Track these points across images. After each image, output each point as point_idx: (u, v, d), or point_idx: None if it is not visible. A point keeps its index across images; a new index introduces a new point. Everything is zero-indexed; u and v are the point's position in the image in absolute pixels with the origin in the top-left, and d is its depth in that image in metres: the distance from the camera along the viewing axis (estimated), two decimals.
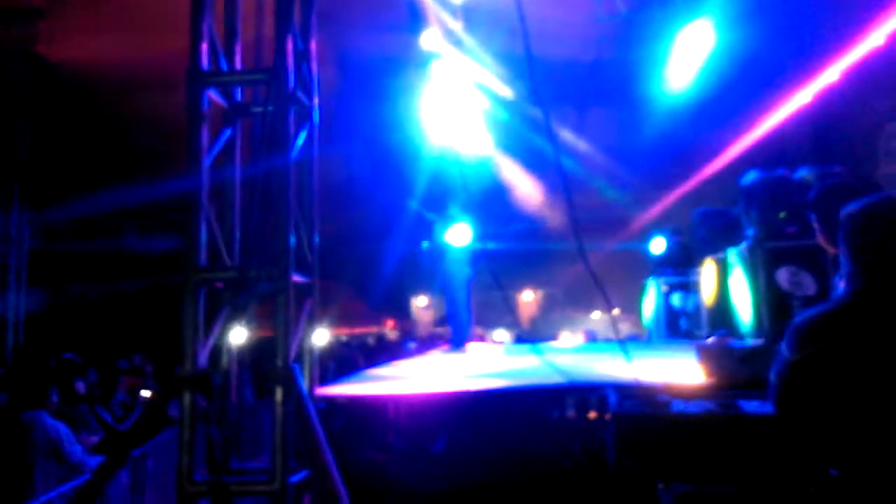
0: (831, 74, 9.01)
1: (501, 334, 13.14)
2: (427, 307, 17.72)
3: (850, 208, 2.35)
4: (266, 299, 3.69)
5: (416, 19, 9.22)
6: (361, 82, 11.31)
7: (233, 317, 3.69)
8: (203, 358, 3.60)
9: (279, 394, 3.54)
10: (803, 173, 6.73)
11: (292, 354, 3.60)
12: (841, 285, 2.40)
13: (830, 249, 3.79)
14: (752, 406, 3.80)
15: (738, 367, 4.43)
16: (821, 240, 3.84)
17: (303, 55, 3.79)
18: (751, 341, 4.59)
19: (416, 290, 18.20)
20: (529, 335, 12.49)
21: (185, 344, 3.59)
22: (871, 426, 2.03)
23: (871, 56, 8.22)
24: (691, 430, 3.76)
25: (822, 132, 9.74)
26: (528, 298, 18.30)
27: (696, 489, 3.65)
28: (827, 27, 8.78)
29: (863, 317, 2.13)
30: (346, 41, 10.59)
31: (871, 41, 8.14)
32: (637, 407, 4.08)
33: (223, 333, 3.78)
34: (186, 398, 3.57)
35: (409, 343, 11.24)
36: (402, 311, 18.57)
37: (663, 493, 3.66)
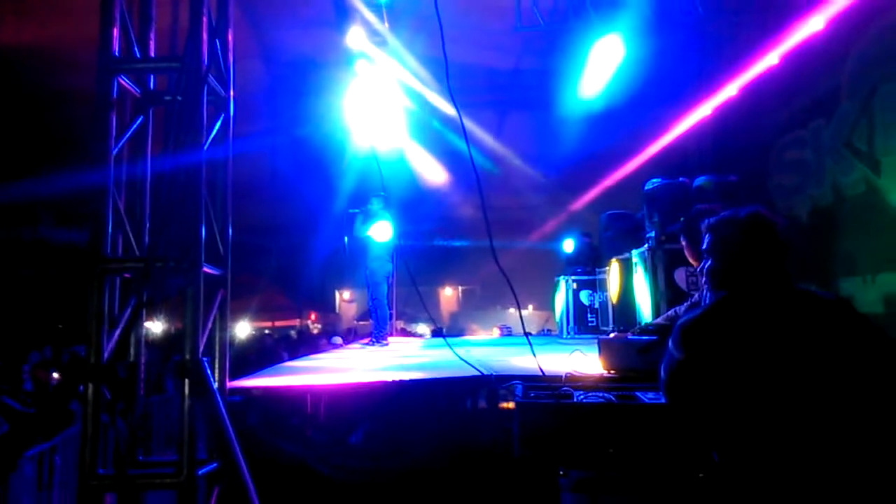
0: (730, 90, 9.59)
1: (423, 329, 13.26)
2: (351, 301, 17.67)
3: (716, 220, 2.57)
4: (178, 291, 3.65)
5: (341, 17, 9.22)
6: (287, 78, 11.17)
7: (140, 308, 3.64)
8: (108, 349, 3.54)
9: (186, 386, 3.52)
10: (701, 181, 7.20)
11: (201, 347, 3.58)
12: (707, 291, 2.59)
13: (695, 263, 4.15)
14: (648, 397, 4.03)
15: (635, 360, 4.69)
16: (688, 255, 4.20)
17: (218, 45, 3.77)
18: (648, 336, 4.85)
19: (341, 284, 18.08)
20: (448, 330, 12.68)
21: (89, 335, 3.51)
22: (746, 416, 2.22)
23: (767, 73, 8.80)
24: (590, 418, 3.94)
25: (721, 143, 10.35)
26: (448, 294, 18.53)
27: (593, 475, 3.85)
28: (726, 45, 9.36)
29: (738, 319, 2.32)
30: (272, 36, 10.46)
31: (767, 60, 8.71)
32: (540, 397, 4.27)
33: (132, 325, 3.72)
34: (90, 390, 3.50)
35: (334, 337, 11.17)
36: (326, 305, 18.42)
37: (563, 479, 3.85)
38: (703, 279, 2.63)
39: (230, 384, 4.46)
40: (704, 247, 2.60)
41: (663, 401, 2.64)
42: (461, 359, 5.11)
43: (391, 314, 9.19)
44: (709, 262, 2.57)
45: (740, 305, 2.36)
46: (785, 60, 8.46)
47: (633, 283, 7.59)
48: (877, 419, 2.12)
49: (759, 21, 8.70)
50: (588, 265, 10.26)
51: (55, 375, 6.83)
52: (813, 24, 7.90)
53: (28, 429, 4.04)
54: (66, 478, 5.50)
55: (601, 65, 9.40)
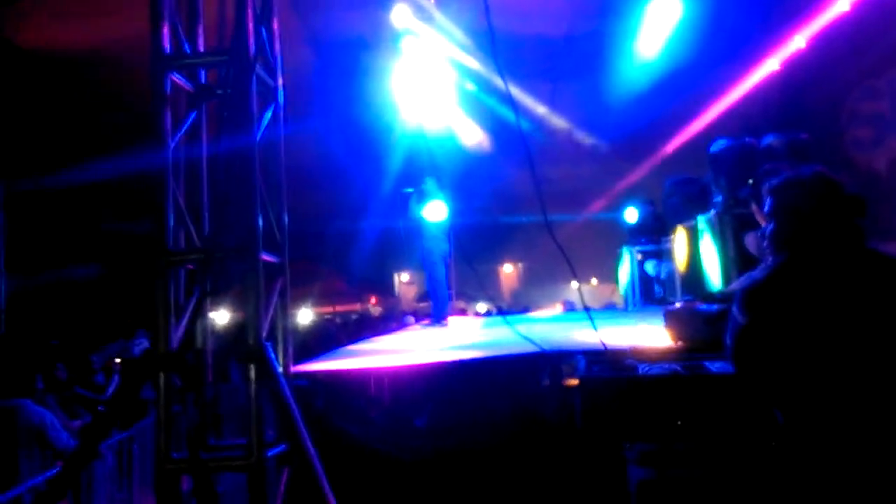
0: (798, 42, 9.11)
1: (483, 308, 13.26)
2: (410, 283, 17.81)
3: (776, 182, 2.48)
4: (239, 279, 3.74)
5: None
6: (335, 60, 11.22)
7: (204, 297, 3.75)
8: (176, 338, 3.66)
9: (252, 371, 3.61)
10: (769, 140, 6.86)
11: (264, 332, 3.66)
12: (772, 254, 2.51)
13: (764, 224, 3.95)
14: (716, 367, 3.93)
15: (704, 330, 4.56)
16: (758, 218, 4.01)
17: (264, 34, 3.80)
18: (716, 305, 4.70)
19: (400, 267, 18.25)
20: (510, 308, 12.64)
21: (157, 326, 3.64)
22: (811, 380, 2.17)
23: (837, 22, 8.32)
24: (655, 391, 3.88)
25: (790, 99, 9.85)
26: (508, 271, 18.45)
27: (658, 447, 3.79)
28: None
29: (799, 281, 2.26)
30: (317, 19, 10.50)
31: (837, 7, 8.23)
32: (603, 371, 4.21)
33: (197, 314, 3.84)
34: (161, 378, 3.63)
35: (407, 317, 11.33)
36: (385, 288, 18.64)
37: (628, 452, 3.80)
38: (766, 242, 2.55)
39: (295, 368, 4.57)
40: (766, 209, 2.52)
41: (731, 370, 2.59)
42: (521, 336, 5.07)
43: (450, 294, 9.20)
44: (771, 225, 2.49)
45: (803, 267, 2.31)
46: (856, 7, 7.97)
47: (700, 251, 7.36)
48: None
49: None
50: (652, 234, 10.00)
51: (117, 361, 7.13)
52: None
53: (107, 418, 4.23)
54: (144, 464, 5.78)
55: (658, 25, 9.07)
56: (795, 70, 9.47)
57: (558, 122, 11.94)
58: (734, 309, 2.42)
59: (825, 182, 2.35)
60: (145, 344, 7.25)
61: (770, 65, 9.86)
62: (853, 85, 8.47)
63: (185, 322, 3.75)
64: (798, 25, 8.97)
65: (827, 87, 8.93)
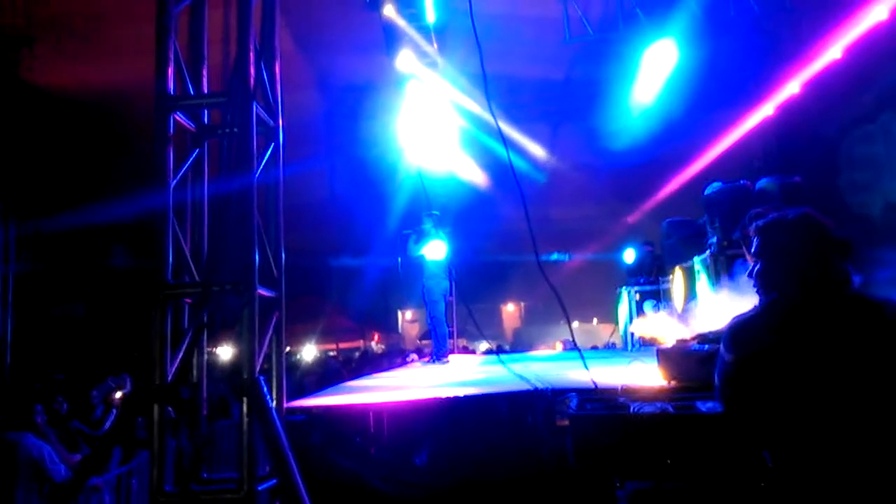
0: (792, 87, 9.29)
1: (485, 346, 13.25)
2: (413, 321, 17.83)
3: (763, 223, 2.53)
4: (235, 314, 3.82)
5: (391, 41, 9.45)
6: (340, 102, 11.50)
7: (200, 330, 3.83)
8: (171, 371, 3.73)
9: (245, 405, 3.67)
10: (763, 183, 6.96)
11: (258, 366, 3.73)
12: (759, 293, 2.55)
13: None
14: (706, 406, 3.94)
15: (696, 370, 4.58)
16: (749, 260, 4.07)
17: (265, 76, 3.95)
18: (708, 345, 4.72)
19: (403, 304, 18.30)
20: (512, 346, 12.64)
21: (153, 358, 3.71)
22: (793, 421, 2.19)
23: (830, 68, 8.50)
24: (646, 429, 3.89)
25: (785, 143, 10.00)
26: (510, 310, 18.44)
27: (650, 486, 3.79)
28: (786, 42, 9.08)
29: (784, 324, 2.29)
30: (324, 63, 10.81)
31: (829, 54, 8.42)
32: (595, 409, 4.22)
33: (193, 347, 3.91)
34: (156, 410, 3.69)
35: (410, 354, 11.34)
36: (389, 325, 18.65)
37: (619, 490, 3.80)
38: (753, 283, 2.59)
39: (292, 404, 4.61)
40: (753, 250, 2.57)
41: (720, 410, 2.61)
42: (515, 374, 5.11)
43: (450, 331, 9.24)
44: (758, 266, 2.53)
45: (788, 308, 2.33)
46: (848, 53, 8.17)
47: (696, 291, 7.40)
48: None
49: (818, 15, 8.41)
50: (650, 275, 10.07)
51: (117, 396, 7.17)
52: (876, 15, 7.60)
53: (101, 452, 4.27)
54: (142, 499, 5.76)
55: (655, 70, 9.29)
56: (790, 115, 9.64)
57: (559, 163, 12.12)
58: (721, 348, 2.46)
59: (811, 223, 2.38)
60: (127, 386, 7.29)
61: (765, 110, 10.04)
62: (847, 129, 8.59)
63: (180, 355, 3.83)
64: (792, 71, 9.17)
65: (821, 132, 9.07)
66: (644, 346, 9.52)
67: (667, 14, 8.68)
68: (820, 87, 8.80)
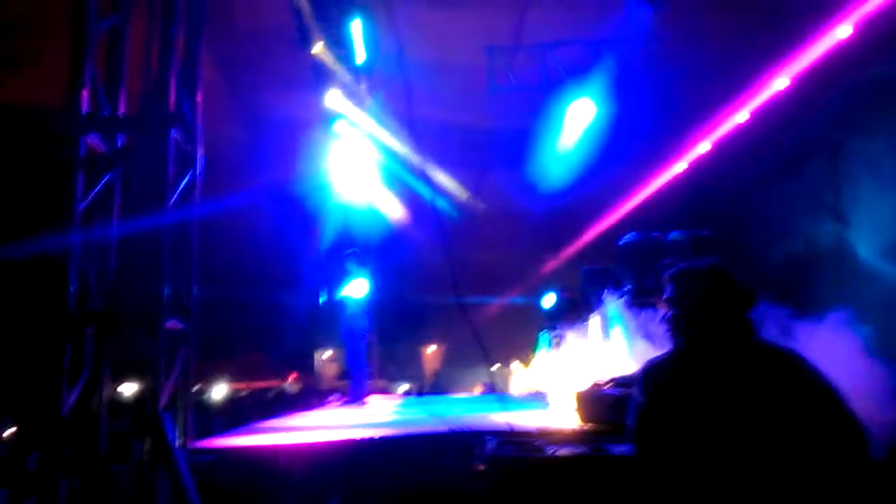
0: (704, 145, 9.85)
1: (404, 387, 13.08)
2: (331, 360, 17.42)
3: (675, 271, 2.64)
4: (141, 345, 3.63)
5: (320, 80, 9.47)
6: (266, 137, 11.37)
7: (101, 363, 3.62)
8: (69, 406, 3.49)
9: (147, 442, 3.47)
10: (674, 235, 7.30)
11: (162, 402, 3.55)
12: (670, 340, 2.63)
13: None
14: (618, 449, 4.01)
15: (610, 413, 4.68)
16: (660, 307, 4.23)
17: (185, 104, 3.87)
18: (620, 389, 4.83)
19: (322, 343, 17.91)
20: (432, 388, 12.55)
21: (51, 391, 3.48)
22: (697, 465, 2.23)
23: (738, 129, 9.07)
24: (559, 472, 3.92)
25: (696, 198, 10.54)
26: (432, 351, 18.36)
27: None
28: (698, 102, 9.65)
29: (691, 367, 2.37)
30: (254, 98, 10.70)
31: (738, 116, 9.01)
32: (511, 451, 4.23)
33: (94, 380, 3.69)
34: (48, 447, 3.44)
35: (332, 394, 11.03)
36: (307, 364, 18.16)
37: None
38: (665, 328, 2.67)
39: (199, 443, 4.39)
40: (664, 296, 2.66)
41: (631, 453, 2.64)
42: (433, 415, 5.06)
43: (368, 372, 9.09)
44: (669, 312, 2.62)
45: (695, 354, 2.41)
46: (754, 116, 8.74)
47: (611, 336, 7.59)
48: (820, 474, 2.15)
49: (727, 80, 9.00)
50: (568, 320, 10.24)
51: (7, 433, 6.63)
52: (778, 84, 8.20)
53: None
54: None
55: (575, 124, 9.67)
56: (701, 171, 10.19)
57: (482, 207, 12.33)
58: (634, 390, 2.51)
59: (718, 273, 2.48)
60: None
61: (678, 166, 10.59)
62: (752, 188, 9.15)
63: (79, 389, 3.60)
64: (704, 130, 9.72)
65: (728, 189, 9.62)
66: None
67: (586, 73, 9.10)
68: (728, 147, 9.35)
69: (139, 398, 3.76)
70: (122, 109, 4.01)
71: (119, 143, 3.93)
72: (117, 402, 3.98)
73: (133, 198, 3.75)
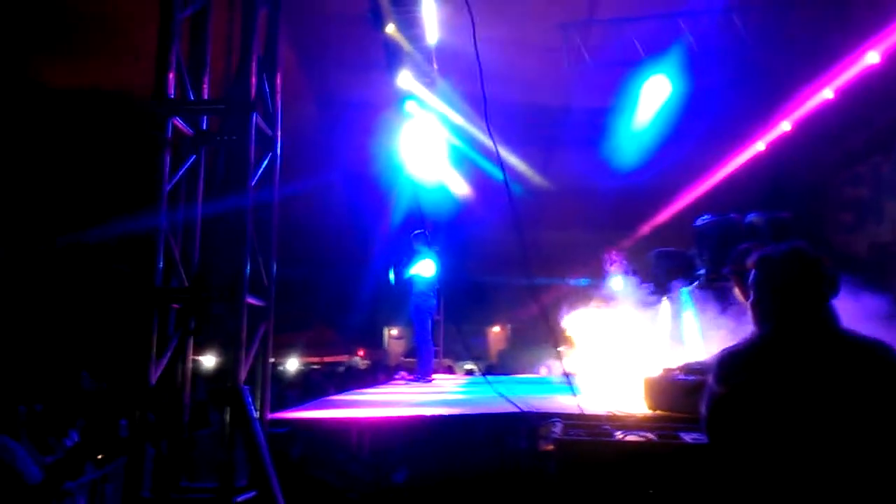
0: (784, 125, 9.43)
1: (470, 366, 13.18)
2: (399, 337, 17.69)
3: (760, 255, 2.55)
4: (223, 321, 3.79)
5: (392, 60, 9.52)
6: (339, 118, 11.55)
7: (186, 337, 3.80)
8: (155, 376, 3.69)
9: (227, 414, 3.63)
10: (752, 217, 7.03)
11: (242, 376, 3.70)
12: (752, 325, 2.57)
13: (743, 301, 4.06)
14: (691, 437, 3.94)
15: (681, 400, 4.58)
16: (737, 292, 4.10)
17: (266, 86, 3.97)
18: (694, 376, 4.73)
19: (390, 321, 18.18)
20: (498, 369, 12.59)
21: (138, 362, 3.68)
22: (784, 455, 2.16)
23: (822, 108, 8.63)
24: (629, 457, 3.88)
25: (775, 179, 10.13)
26: (497, 332, 18.37)
27: None
28: (779, 80, 9.23)
29: (772, 357, 2.29)
30: (326, 79, 10.88)
31: (822, 95, 8.57)
32: (579, 435, 4.21)
33: (178, 353, 3.88)
34: (136, 415, 3.65)
35: (399, 371, 11.30)
36: (375, 341, 18.50)
37: None
38: (749, 315, 2.60)
39: (275, 415, 4.57)
40: (749, 282, 2.59)
41: (705, 441, 2.61)
42: (502, 395, 5.09)
43: (435, 351, 9.20)
44: (752, 298, 2.55)
45: (778, 342, 2.33)
46: (840, 95, 8.30)
47: (682, 321, 7.42)
48: None
49: (811, 57, 8.57)
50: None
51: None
52: (868, 59, 7.74)
53: (78, 455, 4.21)
54: None
55: (650, 102, 9.42)
56: (781, 152, 9.77)
57: (552, 187, 12.21)
58: (710, 379, 2.46)
59: (805, 258, 2.39)
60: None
61: (757, 146, 10.19)
62: (836, 169, 8.72)
63: (165, 360, 3.79)
64: (784, 110, 9.31)
65: (811, 170, 9.20)
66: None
67: (662, 49, 8.83)
68: (811, 127, 8.93)
69: (220, 371, 3.94)
70: (205, 93, 4.16)
71: (203, 126, 4.09)
72: (197, 373, 4.18)
73: (216, 179, 3.90)
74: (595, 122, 10.80)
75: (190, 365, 4.06)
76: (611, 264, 8.57)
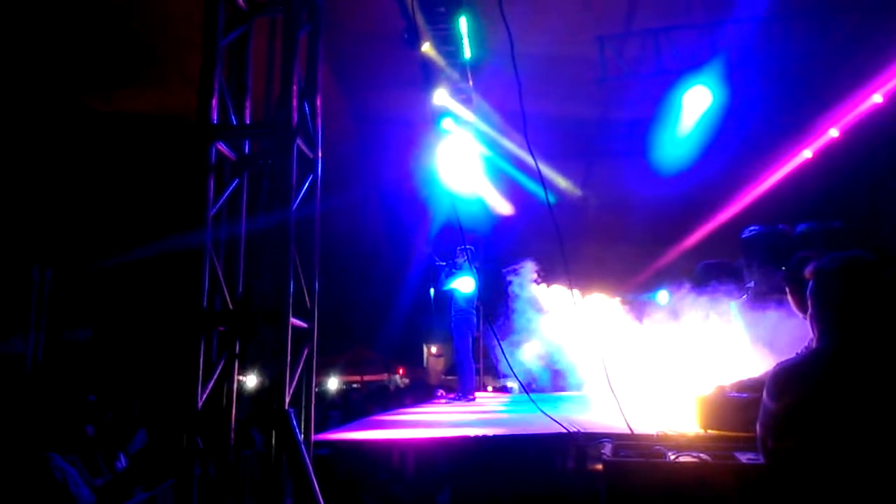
0: (832, 132, 9.19)
1: (512, 383, 13.06)
2: (438, 355, 17.58)
3: (818, 266, 2.45)
4: (267, 343, 3.80)
5: (428, 78, 9.58)
6: (377, 135, 11.66)
7: (232, 360, 3.81)
8: (202, 400, 3.71)
9: (273, 437, 3.63)
10: (803, 227, 6.84)
11: (287, 398, 3.69)
12: (812, 339, 2.48)
13: (799, 313, 3.91)
14: (746, 457, 3.80)
15: (734, 418, 4.44)
16: (792, 304, 3.96)
17: (307, 109, 4.00)
18: (747, 393, 4.57)
19: (429, 339, 18.12)
20: (542, 385, 12.43)
21: (185, 386, 3.70)
22: (847, 473, 2.07)
23: (871, 113, 8.39)
24: (683, 479, 3.76)
25: (824, 187, 9.85)
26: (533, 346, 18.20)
27: None
28: (824, 88, 9.00)
29: (834, 370, 2.19)
30: (363, 98, 11.01)
31: (871, 99, 8.33)
32: (630, 456, 4.10)
33: (225, 376, 3.90)
34: (185, 439, 3.66)
35: (438, 391, 11.29)
36: (414, 359, 18.44)
37: None
38: (809, 327, 2.50)
39: (317, 437, 4.55)
40: (808, 292, 2.49)
41: (761, 460, 2.51)
42: (546, 415, 4.99)
43: (477, 368, 9.14)
44: (810, 310, 2.45)
45: (838, 356, 2.23)
46: (890, 99, 8.05)
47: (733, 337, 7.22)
48: None
49: (856, 63, 8.33)
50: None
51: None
52: None
53: (129, 477, 4.25)
54: None
55: (690, 112, 9.29)
56: (829, 159, 9.51)
57: (592, 200, 12.11)
58: (765, 395, 2.37)
59: (864, 267, 2.30)
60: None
61: (803, 154, 9.94)
62: (887, 175, 8.43)
63: (211, 384, 3.81)
64: (831, 116, 9.07)
65: (859, 178, 8.93)
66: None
67: (700, 58, 8.70)
68: (860, 133, 8.68)
69: (263, 391, 3.94)
70: (247, 116, 4.21)
71: (246, 150, 4.13)
72: (240, 392, 4.19)
73: (259, 201, 3.93)
74: (635, 133, 10.68)
75: (235, 387, 4.07)
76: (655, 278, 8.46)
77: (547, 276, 8.99)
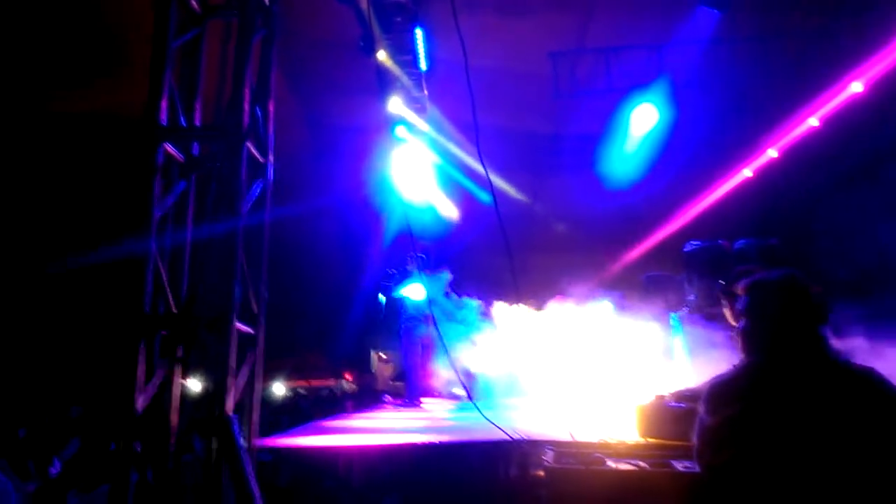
0: (771, 152, 9.56)
1: (458, 390, 13.08)
2: (387, 361, 17.50)
3: (754, 281, 2.55)
4: (211, 348, 3.74)
5: (383, 85, 9.59)
6: (331, 141, 11.58)
7: (174, 364, 3.75)
8: (140, 404, 3.63)
9: (214, 443, 3.58)
10: (741, 244, 7.08)
11: (230, 404, 3.65)
12: (742, 353, 2.56)
13: (735, 324, 4.06)
14: (683, 465, 3.91)
15: (672, 427, 4.57)
16: (728, 317, 4.11)
17: (259, 113, 3.97)
18: (685, 403, 4.72)
19: (378, 345, 18.01)
20: (483, 391, 12.50)
21: (123, 389, 3.62)
22: (777, 485, 2.16)
23: (809, 136, 8.77)
24: (622, 486, 3.85)
25: (762, 206, 10.23)
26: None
27: None
28: (766, 108, 9.37)
29: (766, 385, 2.29)
30: (317, 104, 10.92)
31: (808, 122, 8.71)
32: (571, 463, 4.18)
33: (166, 381, 3.83)
34: (121, 444, 3.58)
35: (384, 396, 11.21)
36: (362, 365, 18.30)
37: None
38: (738, 341, 2.59)
39: (261, 442, 4.50)
40: (739, 307, 2.58)
41: (697, 469, 2.58)
42: (491, 422, 5.05)
43: (425, 374, 9.14)
44: (742, 324, 2.54)
45: (770, 371, 2.33)
46: (826, 123, 8.44)
47: (672, 347, 7.42)
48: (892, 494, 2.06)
49: (797, 86, 8.71)
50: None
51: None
52: (853, 88, 7.89)
53: (61, 483, 4.12)
54: None
55: (639, 129, 9.55)
56: (768, 178, 9.89)
57: (540, 211, 12.28)
58: (701, 409, 2.44)
59: (795, 286, 2.40)
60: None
61: (744, 172, 10.31)
62: (822, 196, 8.82)
63: (152, 388, 3.74)
64: (771, 137, 9.44)
65: (796, 197, 9.30)
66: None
67: (649, 78, 8.97)
68: (798, 154, 9.06)
69: (206, 396, 3.88)
70: (197, 118, 4.16)
71: (195, 152, 4.08)
72: (183, 396, 4.12)
73: (206, 205, 3.88)
74: (584, 148, 10.89)
75: (178, 392, 4.00)
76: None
77: (483, 286, 9.12)
